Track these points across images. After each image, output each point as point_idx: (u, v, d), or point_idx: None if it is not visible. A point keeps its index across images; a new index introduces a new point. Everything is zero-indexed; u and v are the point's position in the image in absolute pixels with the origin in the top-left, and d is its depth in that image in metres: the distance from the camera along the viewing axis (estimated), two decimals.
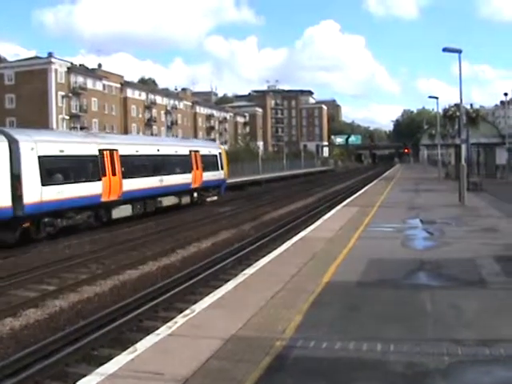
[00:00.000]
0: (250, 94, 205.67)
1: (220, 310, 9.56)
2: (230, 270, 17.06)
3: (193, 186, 37.23)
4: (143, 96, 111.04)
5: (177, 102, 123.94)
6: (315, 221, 23.45)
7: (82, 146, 26.74)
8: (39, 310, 13.50)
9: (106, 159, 27.50)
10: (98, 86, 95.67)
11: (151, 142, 37.04)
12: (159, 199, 32.38)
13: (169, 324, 8.84)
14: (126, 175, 28.75)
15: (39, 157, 22.97)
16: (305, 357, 7.19)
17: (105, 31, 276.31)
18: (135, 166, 30.44)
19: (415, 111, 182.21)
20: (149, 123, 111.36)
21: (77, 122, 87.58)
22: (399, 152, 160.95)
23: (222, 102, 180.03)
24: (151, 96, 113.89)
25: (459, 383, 6.43)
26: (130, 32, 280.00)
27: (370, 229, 19.41)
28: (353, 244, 16.06)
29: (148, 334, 8.58)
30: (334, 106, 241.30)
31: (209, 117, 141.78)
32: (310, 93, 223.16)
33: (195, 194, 37.94)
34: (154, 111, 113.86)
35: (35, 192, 22.42)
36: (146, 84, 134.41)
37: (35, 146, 23.00)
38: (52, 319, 12.89)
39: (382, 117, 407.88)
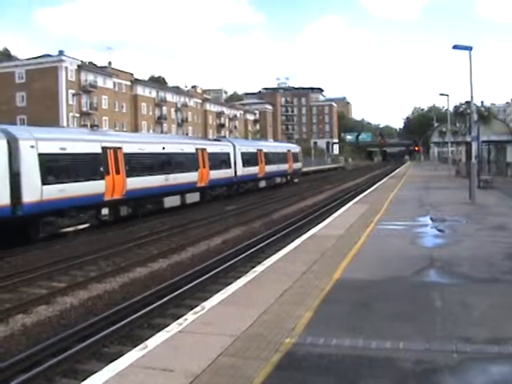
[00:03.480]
0: (260, 91, 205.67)
1: (230, 307, 9.58)
2: (239, 268, 17.11)
3: (288, 172, 59.62)
4: (153, 94, 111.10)
5: (187, 100, 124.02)
6: (325, 218, 23.45)
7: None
8: (50, 307, 13.59)
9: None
10: (109, 83, 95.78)
11: (272, 144, 68.87)
12: (274, 178, 54.54)
13: (179, 321, 8.87)
14: (267, 163, 51.30)
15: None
16: (314, 354, 7.20)
17: (110, 29, 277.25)
18: (270, 158, 52.82)
19: (426, 108, 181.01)
20: (159, 121, 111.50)
21: (87, 119, 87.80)
22: (409, 149, 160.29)
23: (232, 100, 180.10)
24: (161, 94, 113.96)
25: (468, 380, 6.44)
26: (134, 31, 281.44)
27: (381, 226, 19.39)
28: (363, 241, 16.05)
29: (159, 331, 8.61)
30: (344, 104, 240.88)
31: (219, 114, 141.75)
32: (321, 90, 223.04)
33: (288, 177, 60.36)
34: (165, 109, 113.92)
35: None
36: (156, 82, 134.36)
37: (238, 148, 45.85)
38: (63, 316, 12.97)
39: (392, 114, 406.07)
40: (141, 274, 17.03)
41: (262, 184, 50.80)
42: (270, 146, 60.50)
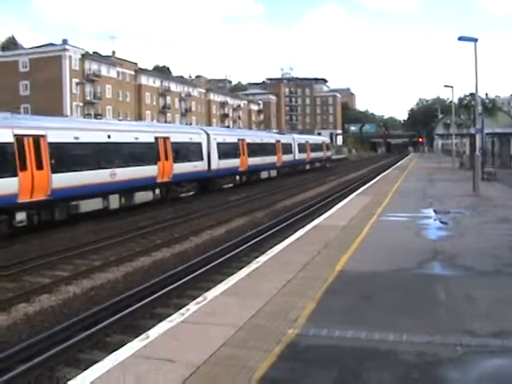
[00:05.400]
0: (264, 81, 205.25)
1: (233, 297, 9.56)
2: (243, 258, 17.08)
3: (323, 158, 76.88)
4: (157, 83, 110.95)
5: (191, 90, 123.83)
6: (329, 209, 23.42)
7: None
8: (53, 296, 13.59)
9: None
10: (112, 73, 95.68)
11: (314, 137, 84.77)
12: (315, 163, 72.35)
13: (181, 311, 8.86)
14: (311, 151, 68.73)
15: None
16: (317, 345, 7.19)
17: (114, 18, 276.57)
18: (313, 147, 70.02)
19: (430, 100, 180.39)
20: (163, 110, 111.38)
21: (91, 108, 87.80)
22: (413, 141, 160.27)
23: (236, 90, 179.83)
24: (165, 83, 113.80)
25: (471, 373, 6.40)
26: (137, 21, 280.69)
27: (384, 218, 19.35)
28: (366, 233, 16.02)
29: (161, 321, 8.60)
30: (348, 95, 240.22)
31: (223, 104, 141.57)
32: (325, 81, 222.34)
33: (323, 162, 76.71)
34: (168, 98, 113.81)
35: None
36: (161, 71, 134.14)
37: (296, 140, 62.87)
38: (65, 305, 12.97)
39: (396, 105, 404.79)
40: (144, 264, 17.02)
41: (307, 166, 68.49)
42: (313, 138, 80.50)
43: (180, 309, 9.26)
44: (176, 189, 33.71)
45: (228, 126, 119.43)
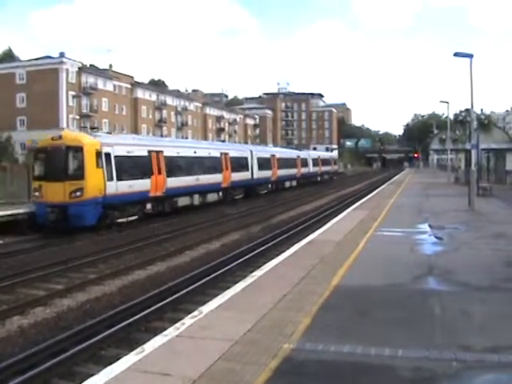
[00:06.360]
0: (260, 96, 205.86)
1: (228, 311, 9.55)
2: (238, 272, 17.04)
3: (331, 171, 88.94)
4: (153, 97, 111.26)
5: (187, 103, 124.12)
6: (324, 224, 23.41)
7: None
8: (47, 309, 13.54)
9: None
10: (109, 86, 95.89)
11: (324, 153, 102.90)
12: (325, 175, 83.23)
13: (177, 325, 8.83)
14: (322, 165, 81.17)
15: (312, 159, 75.46)
16: (313, 360, 7.17)
17: (110, 32, 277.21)
18: (324, 162, 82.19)
19: (426, 116, 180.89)
20: (159, 124, 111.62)
21: (87, 121, 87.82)
22: (409, 156, 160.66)
23: (233, 104, 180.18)
24: (161, 97, 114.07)
25: None
26: (134, 35, 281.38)
27: (379, 233, 19.35)
28: (361, 248, 16.01)
29: (156, 335, 8.58)
30: (344, 110, 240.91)
31: (219, 118, 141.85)
32: (321, 96, 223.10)
33: (331, 175, 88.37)
34: (165, 112, 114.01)
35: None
36: (157, 85, 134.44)
37: (310, 155, 77.23)
38: (60, 318, 12.91)
39: (392, 121, 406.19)
40: (140, 277, 16.99)
41: (319, 178, 79.58)
42: (324, 154, 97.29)
43: (175, 323, 9.23)
44: (232, 192, 43.47)
45: (224, 141, 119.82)
